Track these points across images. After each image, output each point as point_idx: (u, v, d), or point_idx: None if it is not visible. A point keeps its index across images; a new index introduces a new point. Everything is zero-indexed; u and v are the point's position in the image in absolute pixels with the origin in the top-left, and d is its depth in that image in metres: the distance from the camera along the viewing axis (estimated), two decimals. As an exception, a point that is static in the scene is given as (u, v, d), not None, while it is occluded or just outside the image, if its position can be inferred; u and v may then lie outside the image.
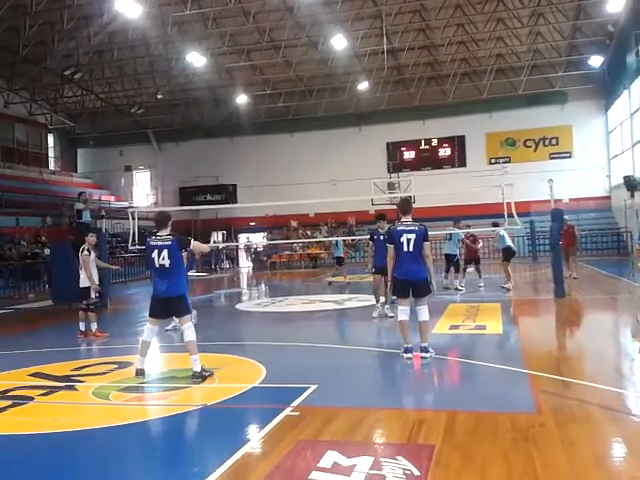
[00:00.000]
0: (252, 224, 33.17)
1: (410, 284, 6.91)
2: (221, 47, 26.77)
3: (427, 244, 6.96)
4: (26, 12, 22.45)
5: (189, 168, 33.75)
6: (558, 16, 25.52)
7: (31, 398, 5.88)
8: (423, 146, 31.94)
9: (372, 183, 24.82)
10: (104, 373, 6.92)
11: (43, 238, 22.12)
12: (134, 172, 36.65)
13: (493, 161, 30.29)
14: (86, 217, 16.59)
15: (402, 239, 6.88)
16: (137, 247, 12.82)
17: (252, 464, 4.02)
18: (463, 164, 31.05)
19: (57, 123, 34.29)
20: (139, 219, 13.58)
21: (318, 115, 31.70)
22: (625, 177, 22.28)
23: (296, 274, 25.71)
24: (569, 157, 29.87)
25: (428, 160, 31.69)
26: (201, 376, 6.22)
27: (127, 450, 4.59)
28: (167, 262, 6.38)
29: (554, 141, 30.28)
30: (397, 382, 6.55)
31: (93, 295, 9.86)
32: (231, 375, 6.58)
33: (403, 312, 6.96)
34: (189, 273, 8.53)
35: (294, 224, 31.69)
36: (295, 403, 5.24)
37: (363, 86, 29.57)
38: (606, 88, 28.54)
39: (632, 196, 22.33)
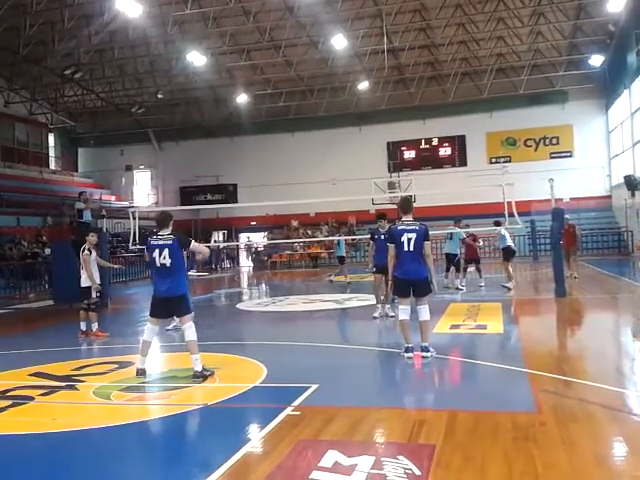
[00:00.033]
0: (253, 224, 33.17)
1: (411, 283, 6.91)
2: (221, 46, 26.76)
3: (428, 243, 6.96)
4: (26, 11, 22.43)
5: (189, 168, 33.76)
6: (559, 15, 25.50)
7: (31, 398, 5.89)
8: (423, 145, 31.92)
9: (372, 183, 24.81)
10: (105, 373, 6.92)
11: (44, 238, 22.12)
12: (135, 172, 36.63)
13: (494, 160, 30.25)
14: (87, 217, 16.60)
15: (403, 238, 6.88)
16: (138, 247, 12.83)
17: (253, 464, 4.02)
18: (464, 163, 31.03)
19: (57, 122, 34.26)
20: (140, 219, 13.60)
21: (318, 115, 31.69)
22: (626, 176, 22.27)
23: (296, 274, 25.72)
24: (570, 156, 29.85)
25: (428, 159, 31.68)
26: (202, 375, 6.22)
27: (128, 450, 4.60)
28: (168, 261, 6.37)
29: (555, 140, 30.26)
30: (398, 382, 6.56)
31: (94, 295, 9.87)
32: (232, 375, 6.58)
33: (404, 311, 6.96)
34: (189, 273, 8.53)
35: (294, 224, 31.69)
36: (296, 403, 5.24)
37: (363, 86, 29.56)
38: (607, 87, 28.52)
39: (633, 195, 22.33)
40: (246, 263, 33.02)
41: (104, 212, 19.87)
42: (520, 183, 17.00)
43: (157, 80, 30.88)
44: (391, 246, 7.06)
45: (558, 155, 29.99)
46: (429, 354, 6.85)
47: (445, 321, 9.60)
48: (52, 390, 6.19)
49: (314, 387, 5.71)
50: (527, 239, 25.35)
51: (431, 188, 26.23)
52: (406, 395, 5.93)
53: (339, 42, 25.17)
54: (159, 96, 30.60)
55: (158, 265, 6.42)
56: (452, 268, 14.63)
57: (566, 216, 14.30)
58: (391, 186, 27.07)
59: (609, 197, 29.03)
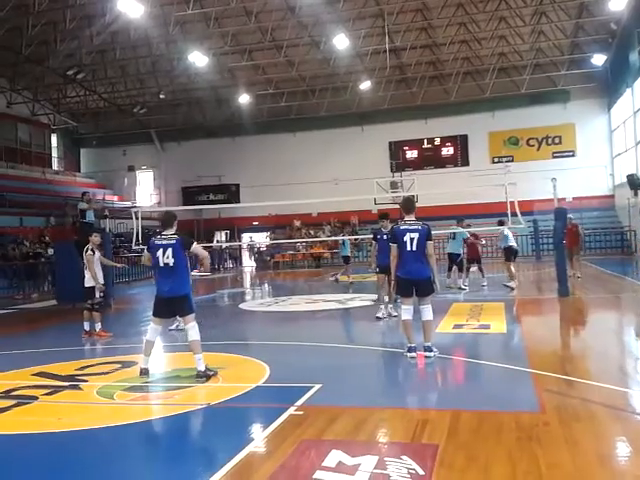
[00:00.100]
0: (255, 224, 33.18)
1: (413, 283, 6.90)
2: (223, 47, 26.77)
3: (430, 243, 6.95)
4: (29, 12, 22.48)
5: (192, 168, 33.79)
6: (560, 14, 25.46)
7: (35, 397, 5.89)
8: (426, 145, 31.91)
9: (375, 182, 24.79)
10: (108, 372, 6.93)
11: (47, 238, 22.17)
12: (137, 172, 36.69)
13: (496, 160, 30.22)
14: (90, 217, 16.62)
15: (405, 238, 6.87)
16: (141, 247, 12.84)
17: (256, 463, 4.02)
18: (466, 163, 31.02)
19: (60, 123, 34.32)
20: (142, 219, 13.65)
21: (320, 115, 31.69)
22: (628, 176, 22.27)
23: (299, 274, 25.74)
24: (572, 156, 29.81)
25: (431, 159, 31.67)
26: (205, 375, 6.22)
27: (131, 449, 4.61)
28: (171, 261, 6.37)
29: (557, 140, 30.22)
30: (401, 381, 6.56)
31: (98, 295, 9.89)
32: (235, 374, 6.59)
33: (406, 311, 6.96)
34: (192, 273, 8.52)
35: (297, 224, 31.71)
36: (299, 402, 5.24)
37: (365, 85, 29.56)
38: (609, 86, 28.48)
39: (635, 195, 22.32)
40: (249, 263, 33.05)
41: (107, 212, 19.89)
42: (523, 183, 17.00)
43: (159, 80, 30.91)
44: (394, 246, 7.05)
45: (560, 154, 29.95)
46: (432, 354, 6.85)
47: (448, 321, 9.59)
48: (56, 390, 6.20)
49: (317, 387, 5.70)
50: (530, 239, 25.32)
51: (433, 188, 26.22)
52: (409, 395, 5.93)
53: (341, 42, 25.18)
54: (161, 96, 30.65)
55: (161, 265, 6.42)
56: (455, 268, 14.62)
57: (569, 215, 14.29)
58: (393, 186, 27.04)
59: (612, 196, 28.98)
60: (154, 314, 6.64)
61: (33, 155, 32.40)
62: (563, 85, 29.41)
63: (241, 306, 14.36)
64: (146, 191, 36.48)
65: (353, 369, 6.79)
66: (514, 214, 12.58)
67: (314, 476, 3.66)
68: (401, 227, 6.99)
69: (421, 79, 30.52)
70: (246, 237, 33.97)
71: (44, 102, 32.28)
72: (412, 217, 7.06)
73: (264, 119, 32.88)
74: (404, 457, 3.87)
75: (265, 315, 12.58)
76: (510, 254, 14.56)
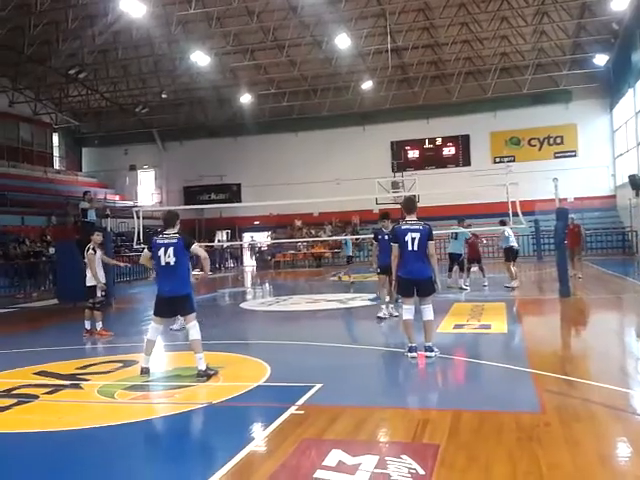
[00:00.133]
0: (256, 223, 33.19)
1: (414, 283, 6.90)
2: (225, 46, 26.80)
3: (432, 243, 6.95)
4: (31, 11, 22.49)
5: (193, 167, 33.82)
6: (562, 14, 25.43)
7: (36, 396, 5.90)
8: (427, 145, 31.92)
9: (376, 182, 24.80)
10: (109, 372, 6.94)
11: (48, 237, 22.21)
12: (139, 171, 36.72)
13: (498, 160, 30.21)
14: (91, 216, 16.67)
15: (406, 238, 6.87)
16: (142, 246, 12.84)
17: (257, 462, 4.02)
18: (467, 163, 31.02)
19: (62, 122, 34.37)
20: (144, 218, 13.66)
21: (322, 114, 31.70)
22: (630, 176, 22.23)
23: (300, 273, 25.74)
24: (574, 156, 29.79)
25: (432, 159, 31.67)
26: (206, 374, 6.22)
27: (132, 448, 4.61)
28: (172, 260, 6.37)
29: (559, 140, 30.21)
30: (402, 381, 6.56)
31: (99, 294, 9.90)
32: (236, 374, 6.59)
33: (407, 311, 6.96)
34: (193, 272, 8.52)
35: (298, 223, 31.72)
36: (300, 402, 5.24)
37: (367, 85, 29.56)
38: (611, 87, 28.45)
39: (637, 195, 22.28)
40: (250, 263, 33.06)
41: (108, 212, 19.94)
42: (524, 183, 16.98)
43: (161, 80, 30.91)
44: (395, 246, 7.05)
45: (562, 155, 29.93)
46: (433, 354, 6.85)
47: (449, 321, 9.59)
48: (56, 389, 6.20)
49: (318, 386, 5.71)
50: (531, 239, 25.33)
51: (435, 188, 26.19)
52: (410, 395, 5.93)
53: (343, 42, 25.17)
54: (163, 96, 30.65)
55: (163, 264, 6.42)
56: (456, 267, 14.61)
57: (571, 215, 14.28)
58: (395, 186, 27.04)
59: (613, 197, 28.95)
60: (155, 313, 6.64)
61: (35, 154, 32.43)
62: (565, 85, 29.39)
63: (242, 305, 14.37)
64: (148, 190, 36.52)
65: (354, 369, 6.79)
66: (515, 214, 12.57)
67: (314, 475, 3.66)
68: (402, 227, 6.98)
69: (423, 79, 30.51)
70: (247, 237, 33.99)
71: (46, 101, 32.30)
72: (413, 217, 7.05)
73: (266, 119, 32.89)
74: (404, 457, 3.87)
75: (266, 314, 12.59)
76: (510, 254, 14.55)
